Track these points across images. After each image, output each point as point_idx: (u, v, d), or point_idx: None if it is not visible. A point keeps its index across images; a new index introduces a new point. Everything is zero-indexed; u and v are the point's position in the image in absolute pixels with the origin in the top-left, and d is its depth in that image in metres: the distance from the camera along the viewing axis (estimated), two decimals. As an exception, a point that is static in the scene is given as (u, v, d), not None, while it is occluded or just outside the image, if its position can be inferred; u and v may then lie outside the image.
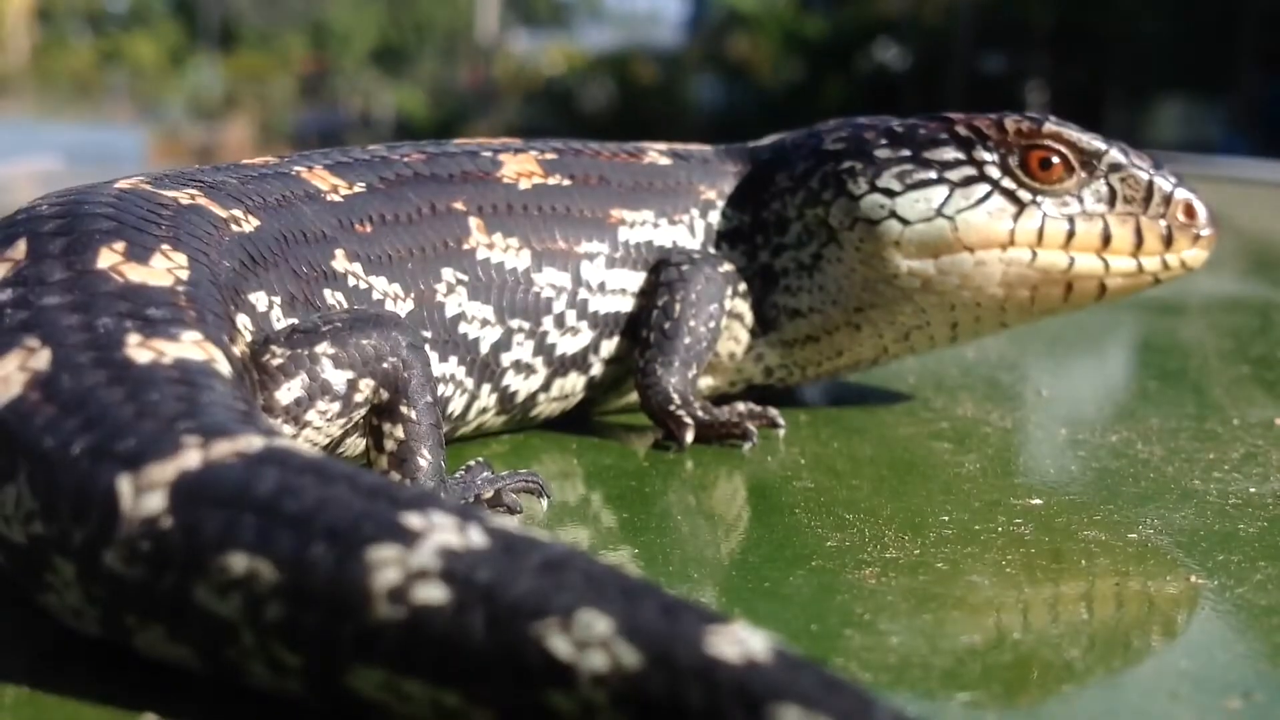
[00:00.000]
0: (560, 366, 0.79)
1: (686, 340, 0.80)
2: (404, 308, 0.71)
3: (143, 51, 19.78)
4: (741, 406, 0.80)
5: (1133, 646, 0.52)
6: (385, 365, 0.60)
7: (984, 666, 0.48)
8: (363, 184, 0.74)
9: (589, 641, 0.38)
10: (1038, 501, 0.68)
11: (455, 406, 0.75)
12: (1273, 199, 3.42)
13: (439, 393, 0.70)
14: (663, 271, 0.81)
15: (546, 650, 0.38)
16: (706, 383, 0.87)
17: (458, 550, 0.40)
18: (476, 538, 0.41)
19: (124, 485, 0.44)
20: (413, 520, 0.41)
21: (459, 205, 0.76)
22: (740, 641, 0.37)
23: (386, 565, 0.41)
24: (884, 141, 0.82)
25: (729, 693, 0.36)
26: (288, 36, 21.22)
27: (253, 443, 0.45)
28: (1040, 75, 12.94)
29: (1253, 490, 0.70)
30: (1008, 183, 0.80)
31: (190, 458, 0.45)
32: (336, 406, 0.59)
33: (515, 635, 0.39)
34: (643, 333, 0.80)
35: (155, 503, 0.44)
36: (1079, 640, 0.52)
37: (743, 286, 0.84)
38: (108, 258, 0.56)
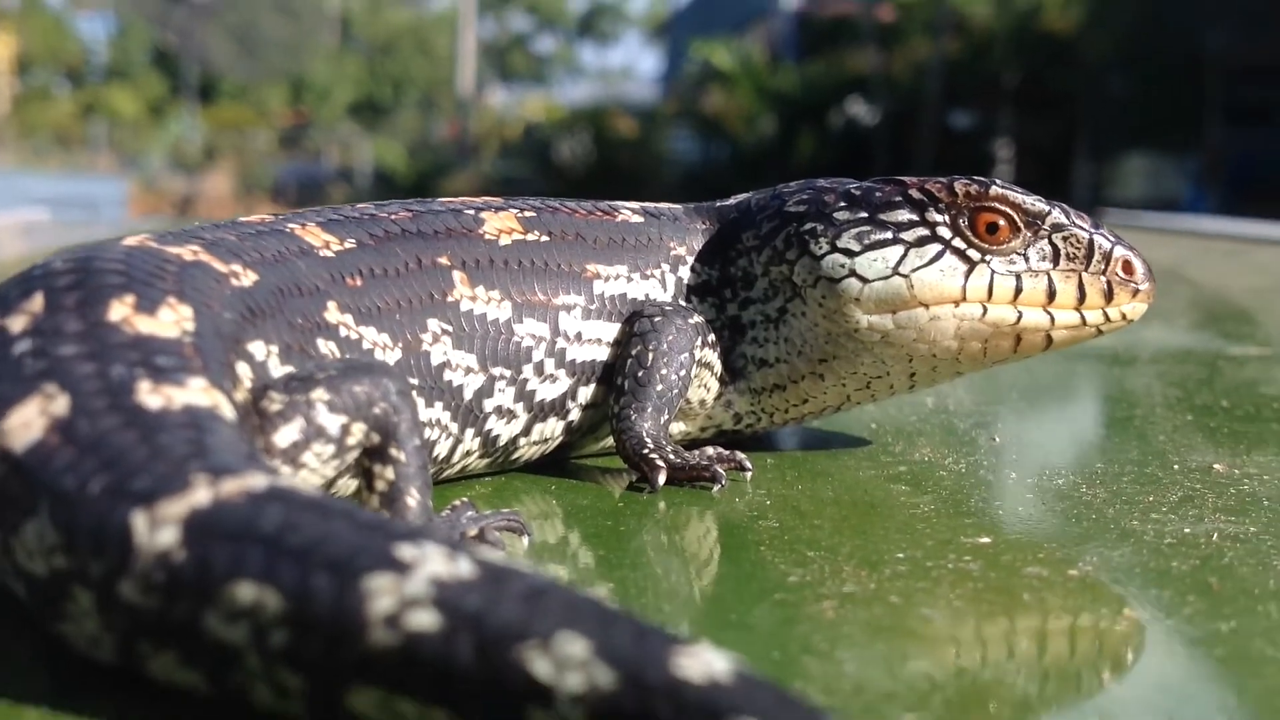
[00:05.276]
0: (540, 412, 0.84)
1: (659, 387, 0.84)
2: (392, 357, 0.76)
3: (123, 103, 19.86)
4: (711, 450, 0.85)
5: (1068, 672, 0.57)
6: (376, 410, 0.64)
7: (931, 688, 0.53)
8: (353, 240, 0.78)
9: (567, 663, 0.42)
10: (986, 540, 0.72)
11: (441, 450, 0.79)
12: (1230, 253, 3.50)
13: (425, 437, 0.74)
14: (636, 322, 0.86)
15: (528, 671, 0.42)
16: (678, 428, 0.91)
17: (447, 580, 0.44)
18: (465, 568, 0.45)
19: (139, 521, 0.48)
20: (406, 552, 0.45)
21: (443, 260, 0.81)
22: (705, 663, 0.41)
23: (382, 594, 0.44)
24: (843, 204, 0.87)
25: (694, 709, 0.40)
26: (267, 89, 21.35)
27: (258, 481, 0.49)
28: (1008, 132, 13.16)
29: (1187, 530, 0.74)
30: (958, 242, 0.85)
31: (200, 495, 0.48)
32: (331, 449, 0.63)
33: (500, 657, 0.42)
34: (617, 380, 0.85)
35: (168, 537, 0.47)
36: (1019, 667, 0.56)
37: (712, 337, 0.89)
38: (119, 310, 0.60)
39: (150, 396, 0.55)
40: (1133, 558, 0.70)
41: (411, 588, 0.44)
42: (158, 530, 0.48)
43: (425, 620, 0.43)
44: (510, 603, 0.43)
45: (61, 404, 0.54)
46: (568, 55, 26.72)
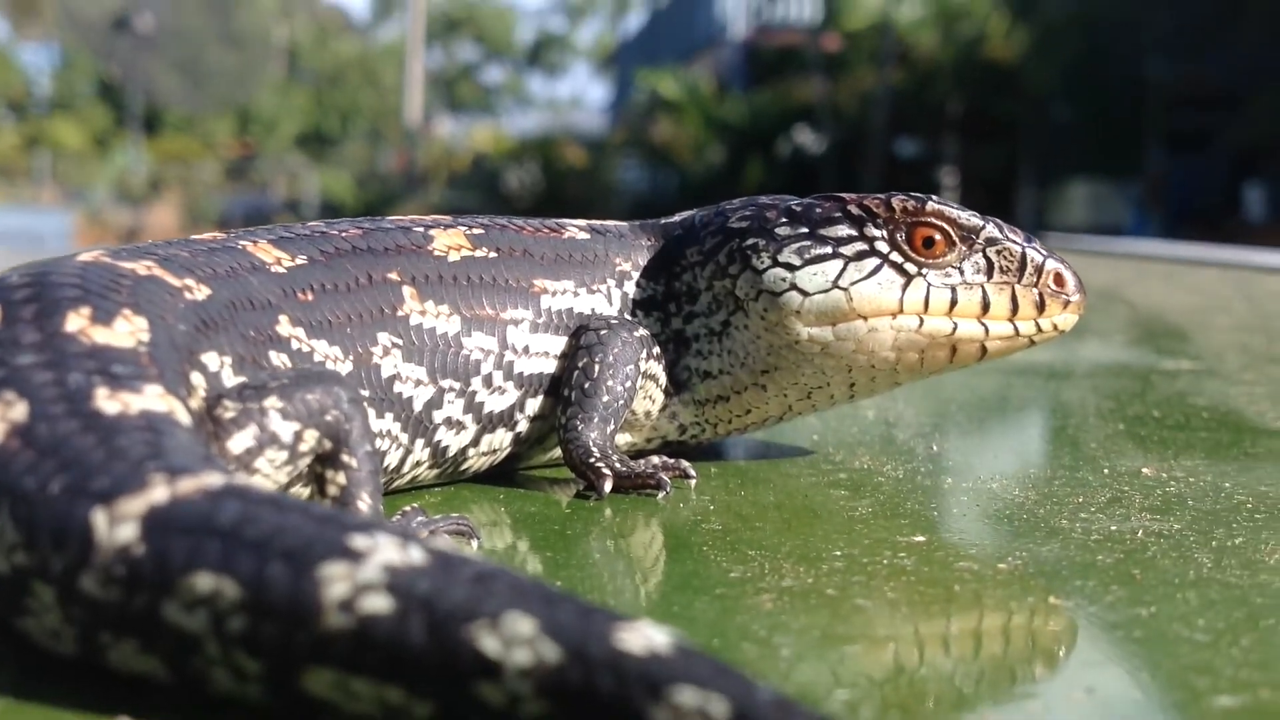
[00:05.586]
0: (489, 423, 0.86)
1: (605, 399, 0.86)
2: (343, 369, 0.77)
3: (67, 135, 19.69)
4: (656, 459, 0.87)
5: (993, 652, 0.60)
6: (328, 418, 0.65)
7: (861, 668, 0.55)
8: (304, 256, 0.80)
9: (515, 640, 0.44)
10: (921, 539, 0.75)
11: (391, 460, 0.81)
12: (1167, 275, 3.59)
13: (376, 446, 0.76)
14: (582, 336, 0.88)
15: (478, 648, 0.44)
16: (625, 439, 0.94)
17: (399, 566, 0.46)
18: (416, 555, 0.47)
19: (99, 518, 0.50)
20: (359, 541, 0.47)
21: (393, 275, 0.83)
22: (645, 637, 0.43)
23: (336, 580, 0.46)
24: (784, 220, 0.90)
25: (634, 679, 0.42)
26: (213, 121, 21.25)
27: (214, 480, 0.51)
28: (953, 160, 13.35)
29: (1114, 528, 0.77)
30: (896, 256, 0.88)
31: (158, 493, 0.50)
32: (284, 455, 0.65)
33: (450, 636, 0.44)
34: (564, 392, 0.87)
35: (128, 533, 0.49)
36: (950, 649, 0.59)
37: (657, 350, 0.91)
38: (75, 321, 0.62)
39: (107, 402, 0.57)
40: (1060, 553, 0.73)
41: (365, 574, 0.46)
42: (117, 526, 0.49)
43: (379, 604, 0.45)
44: (460, 586, 0.45)
45: (20, 410, 0.55)
46: (516, 85, 26.83)
